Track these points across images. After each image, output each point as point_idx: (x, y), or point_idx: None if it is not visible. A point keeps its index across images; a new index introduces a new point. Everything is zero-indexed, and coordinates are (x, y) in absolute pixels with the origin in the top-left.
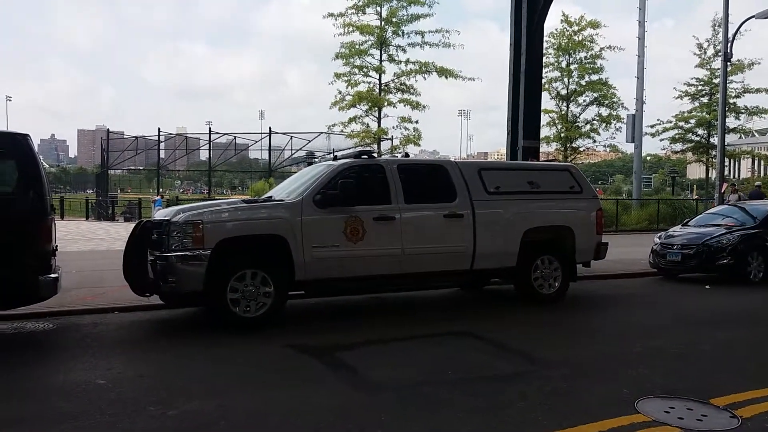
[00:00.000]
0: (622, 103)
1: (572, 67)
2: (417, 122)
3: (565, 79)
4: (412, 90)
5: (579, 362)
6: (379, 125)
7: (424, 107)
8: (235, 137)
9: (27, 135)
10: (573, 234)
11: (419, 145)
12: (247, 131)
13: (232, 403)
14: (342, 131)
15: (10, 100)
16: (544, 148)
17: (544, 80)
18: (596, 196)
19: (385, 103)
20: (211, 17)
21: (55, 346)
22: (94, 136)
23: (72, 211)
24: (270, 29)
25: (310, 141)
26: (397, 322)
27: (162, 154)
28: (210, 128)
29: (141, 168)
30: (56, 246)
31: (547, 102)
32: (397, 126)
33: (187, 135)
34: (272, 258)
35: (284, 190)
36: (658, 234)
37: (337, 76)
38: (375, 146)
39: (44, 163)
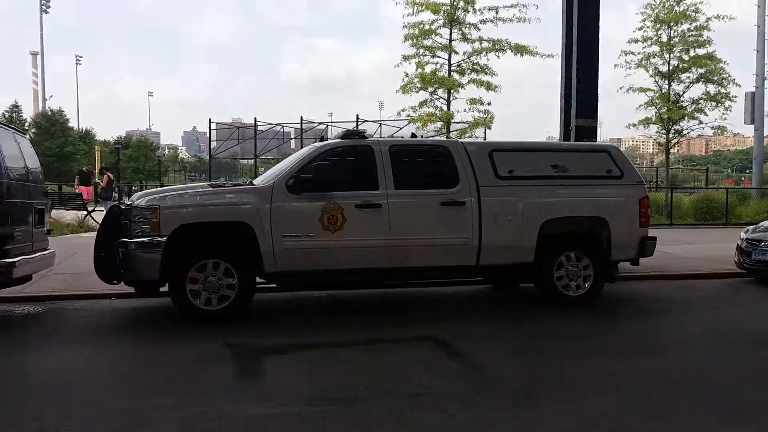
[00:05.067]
0: (734, 80)
1: (674, 41)
2: (489, 104)
3: (666, 55)
4: (486, 70)
5: (533, 384)
6: (448, 108)
7: (495, 87)
8: (327, 125)
9: None
10: (608, 226)
11: (490, 128)
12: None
13: (100, 410)
14: (408, 115)
15: (151, 96)
16: (641, 131)
17: (640, 56)
18: (641, 182)
19: (455, 85)
20: (342, 11)
21: (28, 331)
22: (231, 128)
23: None
24: (396, 19)
25: (401, 128)
26: (370, 322)
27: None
28: (302, 117)
29: (242, 157)
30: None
31: (644, 80)
32: (469, 108)
33: (283, 125)
34: (238, 247)
35: (269, 175)
36: (746, 228)
37: (405, 58)
38: (444, 130)
39: (185, 153)
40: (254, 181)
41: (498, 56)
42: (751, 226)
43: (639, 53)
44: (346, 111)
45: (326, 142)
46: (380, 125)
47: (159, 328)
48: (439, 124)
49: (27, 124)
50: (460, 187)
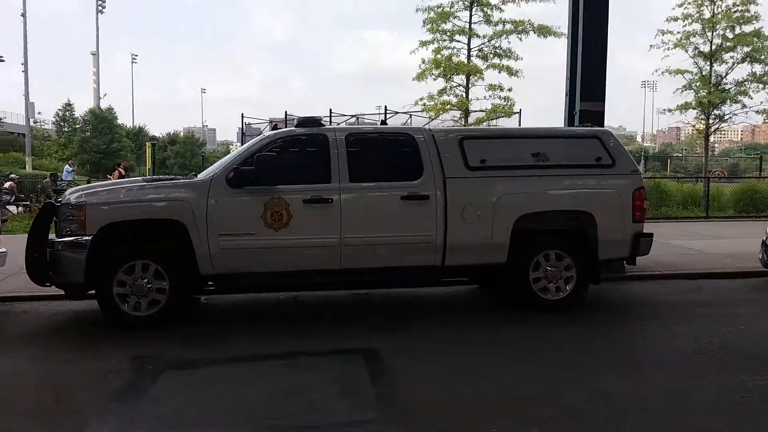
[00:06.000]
0: None
1: (717, 17)
2: (510, 90)
3: (708, 33)
4: (509, 54)
5: (456, 414)
6: (467, 95)
7: (517, 72)
8: (357, 118)
9: None
10: (594, 221)
11: (510, 117)
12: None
13: None
14: (425, 104)
15: (204, 92)
16: (677, 116)
17: (679, 35)
18: (637, 171)
19: (474, 71)
20: (391, 3)
21: None
22: (284, 124)
23: None
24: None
25: (432, 119)
26: (312, 330)
27: None
28: (331, 110)
29: None
30: None
31: (683, 61)
32: (489, 96)
33: (313, 118)
34: (170, 247)
35: (213, 168)
36: None
37: (423, 43)
38: (461, 120)
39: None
40: (200, 175)
41: (520, 39)
42: None
43: (678, 32)
44: (397, 102)
45: (276, 131)
46: (410, 116)
47: (82, 336)
48: (457, 113)
49: (78, 122)
50: (423, 179)
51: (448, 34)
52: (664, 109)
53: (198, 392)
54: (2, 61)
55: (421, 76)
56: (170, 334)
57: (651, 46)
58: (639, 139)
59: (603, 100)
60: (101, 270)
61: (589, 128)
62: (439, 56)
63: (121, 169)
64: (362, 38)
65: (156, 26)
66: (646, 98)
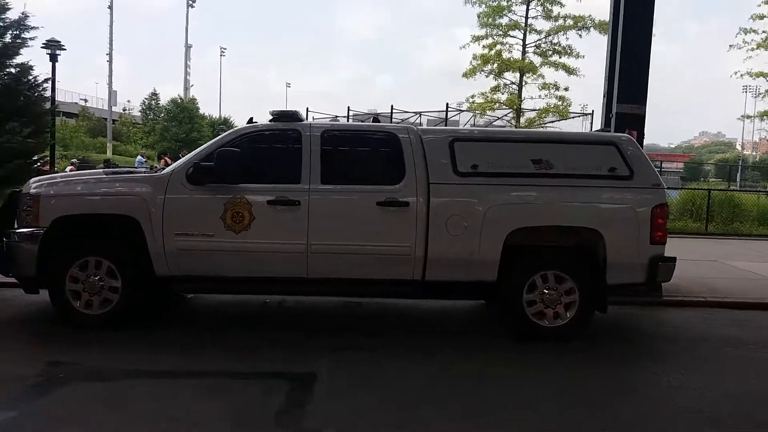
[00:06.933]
0: None
1: None
2: (567, 89)
3: None
4: (569, 51)
5: None
6: (519, 94)
7: (574, 71)
8: (420, 114)
9: None
10: (603, 240)
11: (565, 118)
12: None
13: None
14: (473, 102)
15: (289, 87)
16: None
17: (764, 34)
18: (659, 185)
19: (528, 68)
20: None
21: None
22: (365, 119)
23: None
24: None
25: (498, 117)
26: (261, 345)
27: None
28: (392, 107)
29: None
30: None
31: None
32: (544, 95)
33: (378, 114)
34: (124, 245)
35: (181, 162)
36: None
37: (475, 39)
38: (513, 119)
39: None
40: (166, 169)
41: (580, 35)
42: None
43: (763, 31)
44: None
45: (245, 126)
46: (474, 115)
47: (16, 331)
48: (509, 113)
49: (161, 111)
50: (404, 183)
51: (503, 29)
52: (742, 116)
53: (70, 414)
54: (64, 49)
55: (470, 73)
56: (113, 336)
57: (731, 46)
58: (738, 146)
59: (643, 103)
60: (54, 264)
61: (606, 134)
62: (489, 52)
63: (167, 158)
64: (449, 35)
65: (247, 22)
66: (747, 103)
